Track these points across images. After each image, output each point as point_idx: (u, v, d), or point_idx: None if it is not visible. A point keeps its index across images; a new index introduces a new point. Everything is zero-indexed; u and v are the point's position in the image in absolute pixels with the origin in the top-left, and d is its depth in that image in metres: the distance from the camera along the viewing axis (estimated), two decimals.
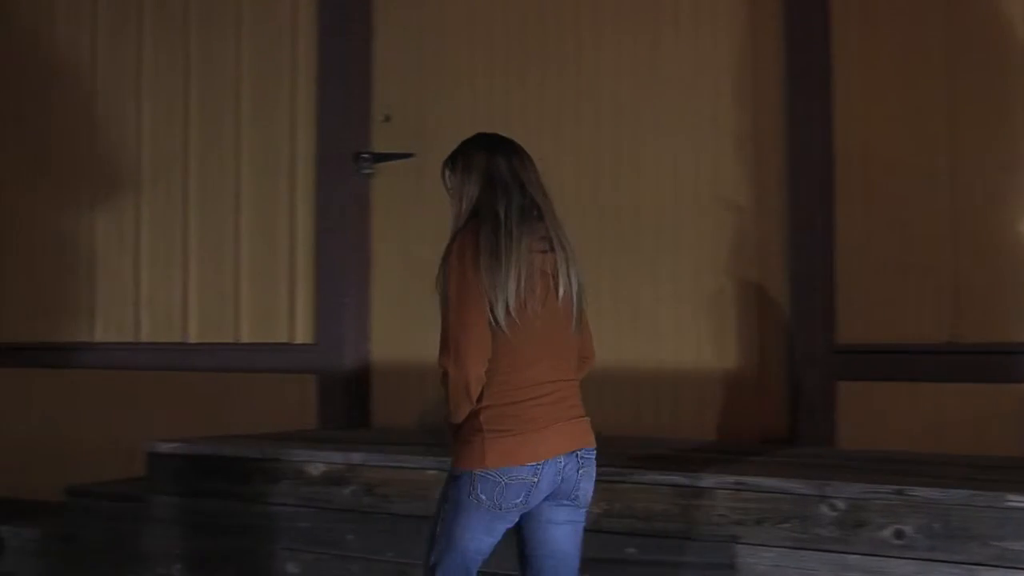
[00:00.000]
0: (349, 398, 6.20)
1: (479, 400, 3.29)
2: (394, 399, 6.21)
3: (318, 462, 4.87)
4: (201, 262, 6.64)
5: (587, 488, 3.43)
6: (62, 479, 5.89)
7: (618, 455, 4.73)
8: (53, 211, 7.17)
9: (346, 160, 6.23)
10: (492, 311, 3.21)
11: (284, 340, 6.35)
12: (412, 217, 6.16)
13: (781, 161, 5.32)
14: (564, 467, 3.32)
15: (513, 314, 3.22)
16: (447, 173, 3.53)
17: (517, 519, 3.37)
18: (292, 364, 6.30)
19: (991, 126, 4.93)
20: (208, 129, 6.68)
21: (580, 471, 3.38)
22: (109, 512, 5.41)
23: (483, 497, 3.26)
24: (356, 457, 4.78)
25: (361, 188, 6.26)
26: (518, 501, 3.27)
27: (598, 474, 3.52)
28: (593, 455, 3.43)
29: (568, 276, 3.36)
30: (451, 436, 3.42)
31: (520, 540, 3.50)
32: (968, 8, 5.00)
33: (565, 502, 3.40)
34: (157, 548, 5.19)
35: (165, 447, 5.30)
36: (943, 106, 5.01)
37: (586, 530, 3.63)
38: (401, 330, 6.19)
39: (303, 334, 6.30)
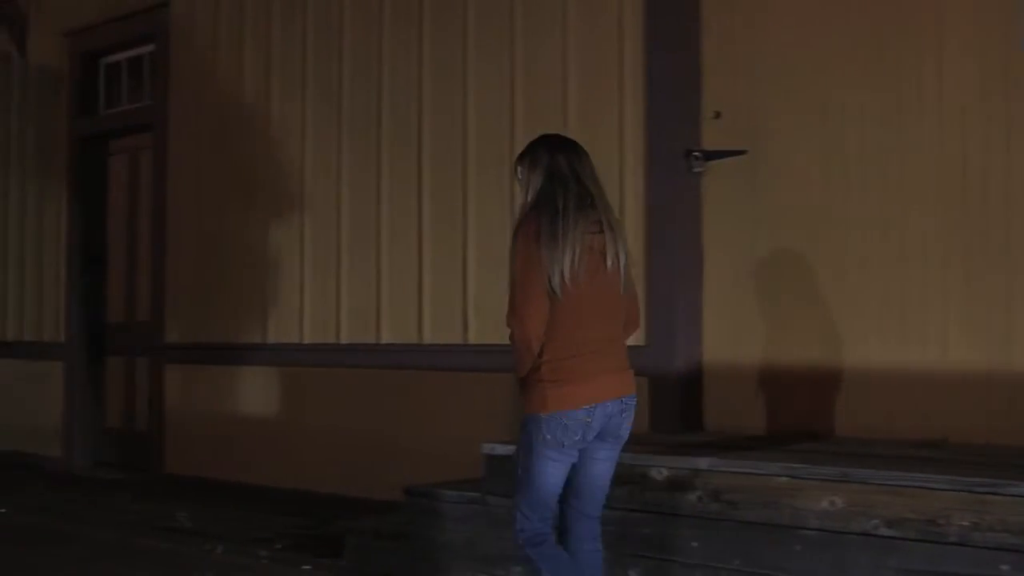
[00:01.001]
0: (681, 401, 6.09)
1: (541, 355, 3.92)
2: (727, 402, 6.06)
3: (661, 467, 4.77)
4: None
5: (627, 429, 4.10)
6: (397, 479, 5.99)
7: (989, 465, 4.48)
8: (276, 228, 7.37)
9: (676, 159, 6.11)
10: (550, 281, 3.85)
11: None
12: (745, 215, 6.01)
13: None
14: (611, 410, 3.98)
15: (568, 283, 3.86)
16: (519, 168, 4.14)
17: (577, 455, 4.00)
18: None
19: None
20: (535, 132, 6.65)
21: (623, 414, 4.05)
22: (447, 512, 5.45)
23: (548, 436, 3.93)
24: (702, 462, 4.66)
25: (691, 187, 6.14)
26: (576, 439, 3.94)
27: None
28: (634, 401, 4.11)
29: (616, 252, 3.99)
30: (520, 388, 4.00)
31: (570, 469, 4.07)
32: None
33: (609, 439, 4.06)
34: (495, 549, 5.20)
35: (501, 449, 5.31)
36: None
37: (953, 544, 3.83)
38: (734, 331, 6.04)
39: (634, 336, 6.18)
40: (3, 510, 7.81)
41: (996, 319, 5.32)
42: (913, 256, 5.53)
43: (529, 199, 4.03)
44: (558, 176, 4.02)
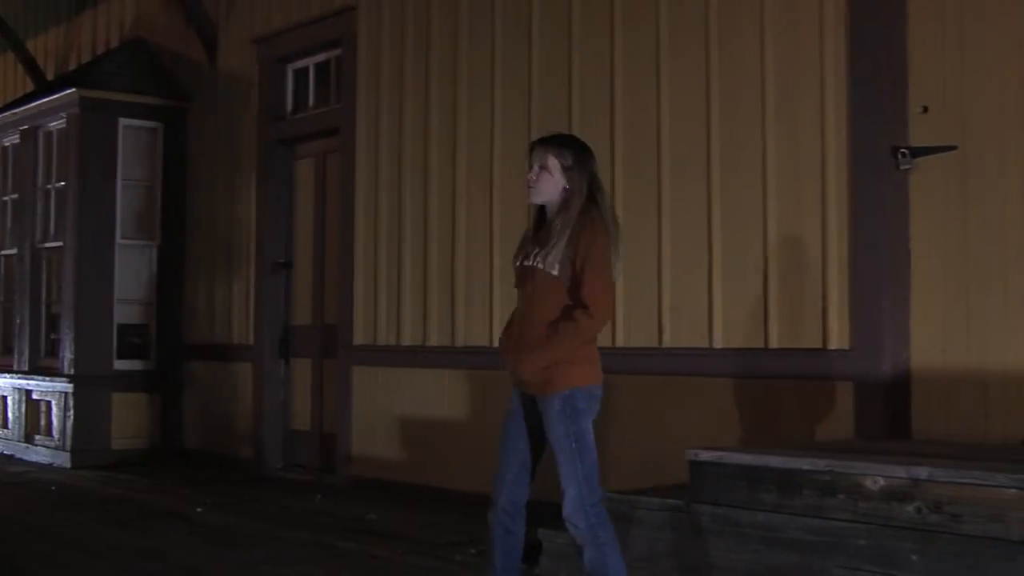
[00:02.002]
0: (888, 407, 5.85)
1: None
2: (935, 408, 5.80)
3: (877, 476, 4.57)
4: (726, 266, 6.47)
5: None
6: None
7: None
8: None
9: (881, 156, 5.89)
10: None
11: (817, 345, 6.07)
12: (954, 213, 5.76)
13: None
14: None
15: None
16: (563, 154, 4.65)
17: None
18: (825, 370, 6.01)
19: None
20: (730, 128, 6.52)
21: None
22: (651, 520, 5.32)
23: (593, 407, 4.61)
24: (922, 472, 4.45)
25: (898, 184, 5.90)
26: (597, 408, 4.64)
27: None
28: None
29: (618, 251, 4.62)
30: (551, 366, 4.55)
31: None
32: None
33: None
34: (702, 558, 5.06)
35: (707, 455, 5.18)
36: None
37: None
38: (944, 333, 5.78)
39: (837, 339, 6.00)
40: (200, 509, 7.95)
41: None
42: None
43: (574, 199, 4.59)
44: (597, 182, 4.69)
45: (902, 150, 5.84)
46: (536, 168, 4.65)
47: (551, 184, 4.63)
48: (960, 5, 5.82)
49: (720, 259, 6.51)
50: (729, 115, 6.53)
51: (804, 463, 4.81)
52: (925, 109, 5.88)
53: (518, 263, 4.65)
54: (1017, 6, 5.65)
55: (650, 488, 5.62)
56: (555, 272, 4.49)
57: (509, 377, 4.73)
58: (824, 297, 6.06)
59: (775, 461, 4.92)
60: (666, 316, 6.76)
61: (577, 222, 4.53)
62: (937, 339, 5.82)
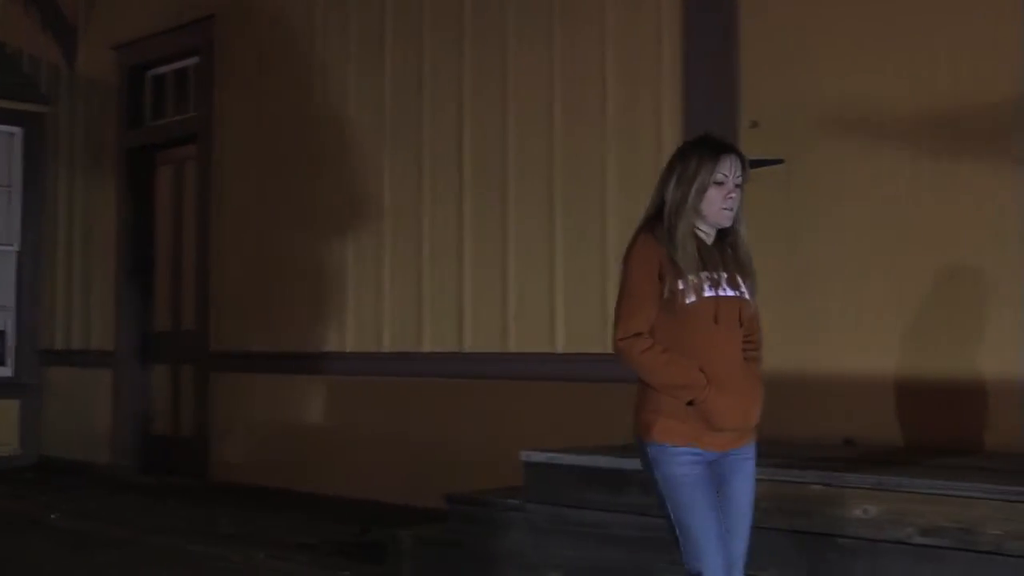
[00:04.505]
0: None
1: None
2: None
3: None
4: (568, 273, 6.69)
5: None
6: (432, 485, 6.05)
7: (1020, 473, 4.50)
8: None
9: None
10: None
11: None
12: (782, 223, 6.01)
13: None
14: None
15: None
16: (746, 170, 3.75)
17: None
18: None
19: None
20: (572, 141, 6.74)
21: None
22: (490, 520, 5.50)
23: None
24: None
25: None
26: None
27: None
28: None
29: None
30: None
31: None
32: None
33: None
34: (536, 557, 5.25)
35: (540, 456, 5.36)
36: None
37: (984, 552, 3.94)
38: (771, 334, 6.00)
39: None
40: (55, 515, 7.94)
41: None
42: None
43: None
44: None
45: None
46: (734, 186, 3.69)
47: None
48: (788, 27, 6.10)
49: (563, 266, 6.72)
50: (572, 127, 6.76)
51: (631, 463, 5.00)
52: (755, 124, 6.14)
53: (711, 292, 3.60)
54: (839, 28, 5.93)
55: (490, 489, 5.79)
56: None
57: (703, 431, 3.61)
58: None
59: (604, 462, 5.12)
60: (511, 321, 6.96)
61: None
62: (765, 340, 6.06)
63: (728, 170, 3.65)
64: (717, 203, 3.63)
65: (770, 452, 5.10)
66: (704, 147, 3.68)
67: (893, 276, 5.71)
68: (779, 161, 5.99)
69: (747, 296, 3.68)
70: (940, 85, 5.58)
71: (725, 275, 3.64)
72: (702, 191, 3.61)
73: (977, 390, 5.41)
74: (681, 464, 3.55)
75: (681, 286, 3.54)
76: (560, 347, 6.72)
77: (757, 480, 3.76)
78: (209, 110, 9.30)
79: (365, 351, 7.93)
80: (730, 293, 3.64)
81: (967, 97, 5.50)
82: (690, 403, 3.55)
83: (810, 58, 6.00)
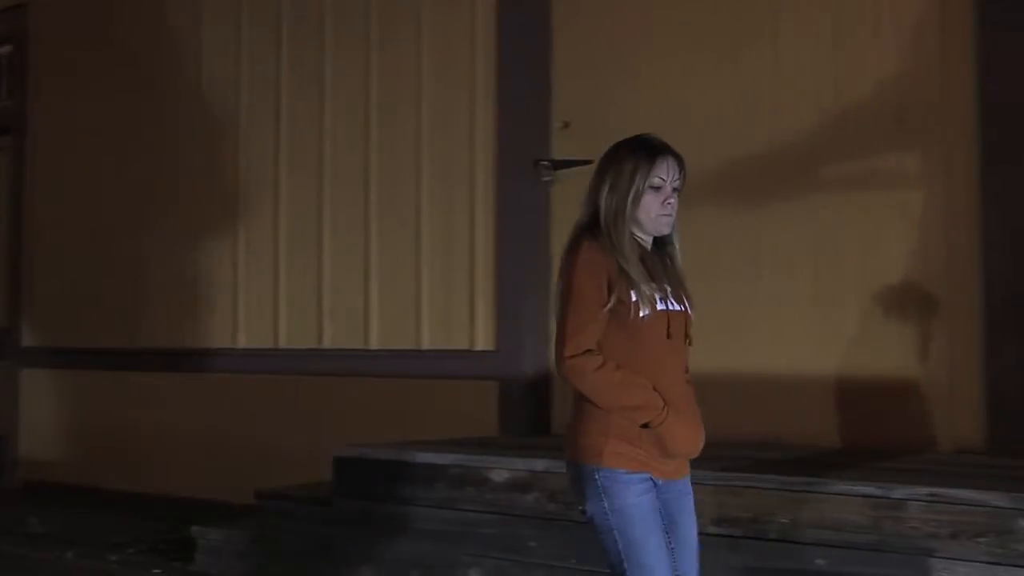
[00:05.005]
0: (530, 405, 6.22)
1: None
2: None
3: (502, 468, 4.89)
4: (383, 270, 6.73)
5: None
6: (250, 482, 6.03)
7: (808, 463, 4.67)
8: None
9: (525, 168, 6.25)
10: None
11: (465, 347, 6.40)
12: None
13: None
14: None
15: None
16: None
17: None
18: (474, 370, 6.34)
19: None
20: (388, 140, 6.79)
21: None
22: (298, 515, 5.52)
23: None
24: (539, 464, 4.79)
25: (541, 195, 6.28)
26: None
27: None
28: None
29: None
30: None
31: None
32: None
33: None
34: (345, 551, 5.28)
35: (350, 452, 5.39)
36: None
37: (773, 540, 4.06)
38: None
39: (484, 341, 6.34)
40: None
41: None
42: None
43: None
44: None
45: (543, 163, 6.21)
46: (672, 190, 3.38)
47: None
48: (598, 32, 6.24)
49: (377, 262, 6.77)
50: (387, 125, 6.80)
51: (438, 458, 5.09)
52: (566, 125, 6.26)
53: (663, 306, 3.32)
54: (649, 34, 6.09)
55: (299, 484, 5.81)
56: None
57: (655, 456, 3.32)
58: (472, 301, 6.39)
59: (412, 456, 5.18)
60: (326, 318, 6.98)
61: None
62: None
63: (665, 173, 3.34)
64: (654, 210, 3.33)
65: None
66: (638, 148, 3.39)
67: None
68: (588, 162, 6.12)
69: (691, 311, 3.41)
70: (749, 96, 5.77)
71: (669, 288, 3.37)
72: (638, 197, 3.31)
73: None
74: (636, 493, 3.26)
75: (634, 297, 3.24)
76: (374, 344, 6.76)
77: None
78: (23, 100, 9.09)
79: (180, 347, 7.84)
80: (677, 308, 3.38)
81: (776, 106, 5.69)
82: (644, 426, 3.26)
83: (619, 62, 6.14)
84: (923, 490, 3.94)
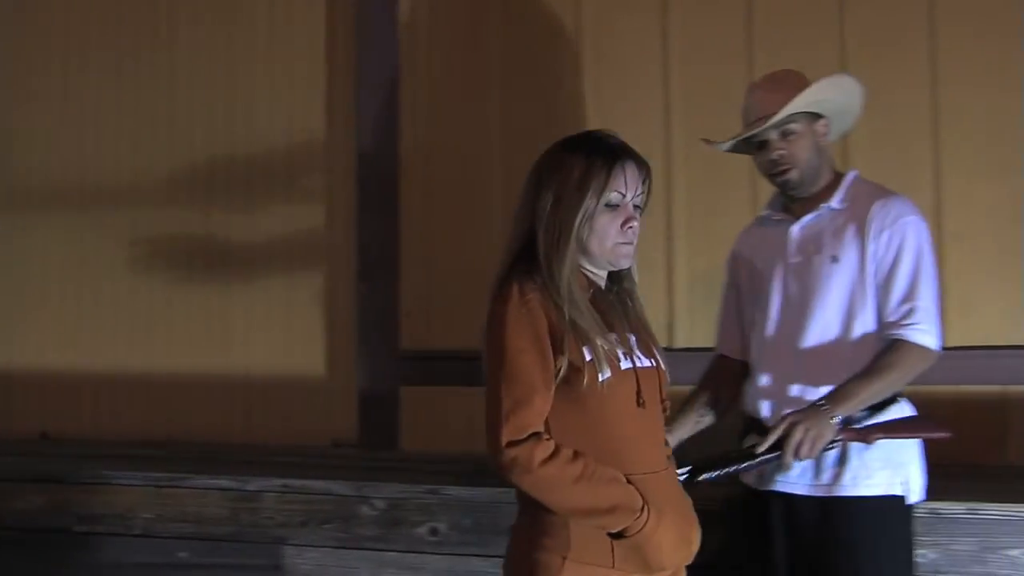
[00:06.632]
0: None
1: None
2: None
3: None
4: None
5: None
6: None
7: (171, 460, 4.77)
8: None
9: None
10: None
11: None
12: None
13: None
14: None
15: None
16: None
17: None
18: None
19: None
20: None
21: None
22: None
23: None
24: None
25: None
26: None
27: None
28: None
29: None
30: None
31: None
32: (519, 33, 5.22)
33: None
34: None
35: None
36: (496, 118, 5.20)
37: (137, 536, 4.23)
38: None
39: None
40: None
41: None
42: None
43: None
44: None
45: None
46: (634, 208, 2.54)
47: None
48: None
49: None
50: None
51: None
52: None
53: (627, 363, 2.48)
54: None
55: None
56: None
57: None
58: None
59: None
60: None
61: None
62: None
63: (625, 186, 2.48)
64: (611, 235, 2.48)
65: None
66: (591, 151, 2.49)
67: None
68: None
69: (663, 367, 2.58)
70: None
71: (634, 338, 2.54)
72: (588, 219, 2.46)
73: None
74: None
75: (588, 356, 2.39)
76: None
77: None
78: None
79: None
80: (647, 363, 2.53)
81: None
82: (617, 535, 2.39)
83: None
84: (277, 482, 4.16)
